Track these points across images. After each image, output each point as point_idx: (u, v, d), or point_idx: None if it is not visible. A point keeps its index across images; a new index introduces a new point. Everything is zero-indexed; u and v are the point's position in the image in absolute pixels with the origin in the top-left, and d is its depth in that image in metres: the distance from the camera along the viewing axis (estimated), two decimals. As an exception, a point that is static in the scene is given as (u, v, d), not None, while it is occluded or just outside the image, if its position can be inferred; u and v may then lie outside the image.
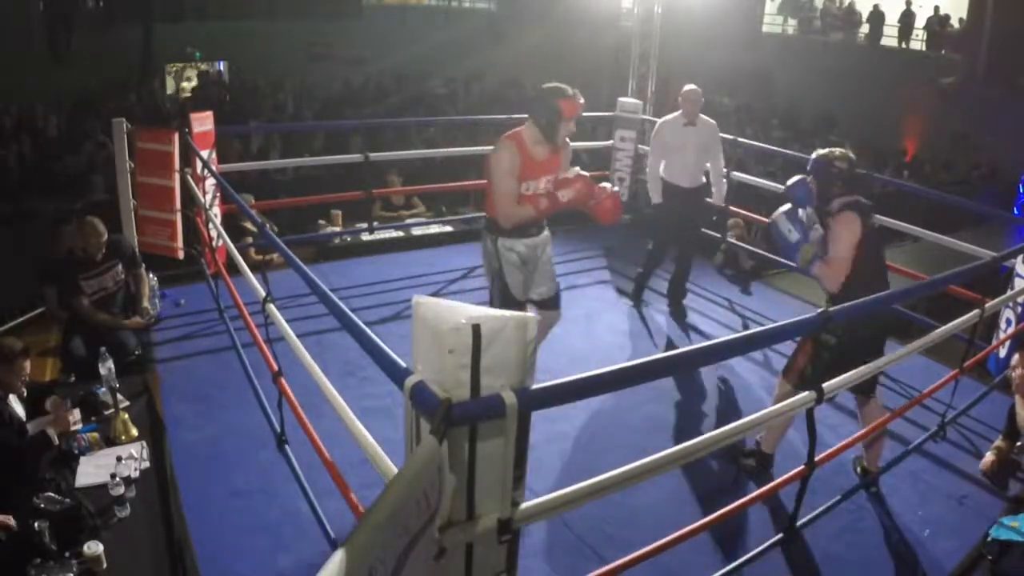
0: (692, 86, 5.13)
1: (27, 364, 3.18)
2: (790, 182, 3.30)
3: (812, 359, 3.23)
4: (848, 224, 3.10)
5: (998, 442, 3.77)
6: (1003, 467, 3.68)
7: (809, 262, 3.21)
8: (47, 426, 3.00)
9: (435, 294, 5.26)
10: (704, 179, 5.26)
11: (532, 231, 3.58)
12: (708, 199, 5.34)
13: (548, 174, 3.52)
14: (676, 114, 5.14)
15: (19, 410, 3.18)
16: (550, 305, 3.77)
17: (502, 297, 3.61)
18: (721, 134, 5.36)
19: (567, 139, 3.55)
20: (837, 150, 3.24)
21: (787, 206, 3.29)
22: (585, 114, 8.36)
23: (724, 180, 5.35)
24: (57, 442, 2.97)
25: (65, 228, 4.53)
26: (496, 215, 3.50)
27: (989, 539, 3.05)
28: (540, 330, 3.67)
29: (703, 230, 5.81)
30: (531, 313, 3.60)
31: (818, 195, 3.20)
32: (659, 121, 5.28)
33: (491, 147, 6.79)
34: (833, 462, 3.29)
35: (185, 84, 14.04)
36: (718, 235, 6.11)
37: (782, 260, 5.81)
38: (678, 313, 5.38)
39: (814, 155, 3.27)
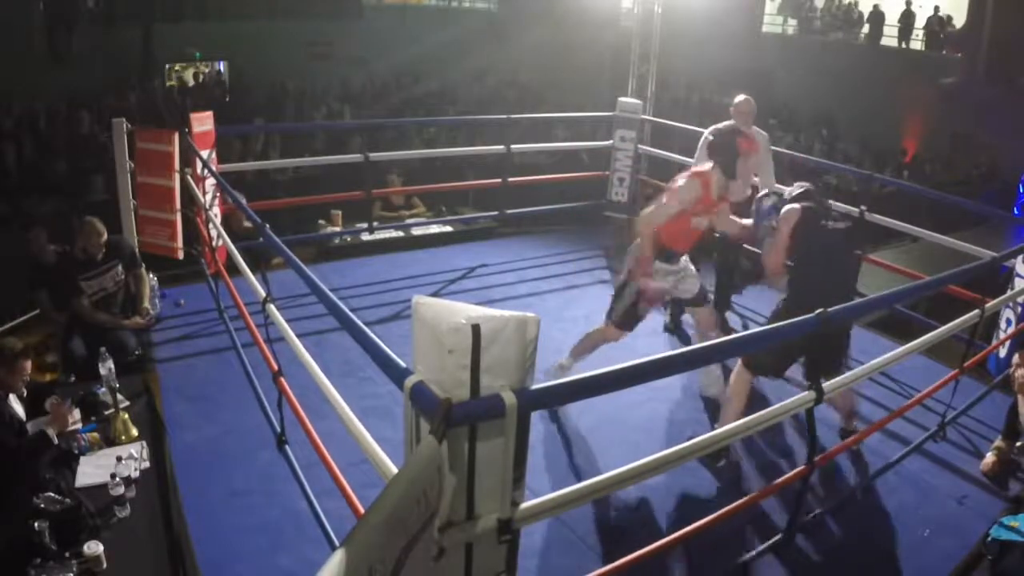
0: (744, 96, 4.88)
1: (27, 364, 3.18)
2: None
3: None
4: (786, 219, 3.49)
5: (998, 442, 3.77)
6: (1003, 467, 3.68)
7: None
8: (47, 426, 3.00)
9: (435, 294, 5.26)
10: (749, 192, 4.88)
11: (673, 258, 3.85)
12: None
13: (713, 213, 3.82)
14: (727, 124, 4.87)
15: (19, 410, 3.18)
16: (702, 300, 4.05)
17: (625, 311, 3.83)
18: None
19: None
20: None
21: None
22: (585, 114, 8.36)
23: None
24: (57, 442, 2.97)
25: (35, 231, 4.49)
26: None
27: (989, 539, 3.04)
28: (706, 326, 4.08)
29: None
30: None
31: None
32: (708, 130, 4.94)
33: (493, 147, 6.80)
34: (833, 462, 3.30)
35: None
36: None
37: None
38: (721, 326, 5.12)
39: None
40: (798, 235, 3.40)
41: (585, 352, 4.03)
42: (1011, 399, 3.83)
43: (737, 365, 3.56)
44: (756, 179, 5.05)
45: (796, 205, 3.47)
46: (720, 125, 4.95)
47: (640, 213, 3.78)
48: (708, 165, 3.78)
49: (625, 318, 3.86)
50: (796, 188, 3.62)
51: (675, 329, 5.25)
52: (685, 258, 3.96)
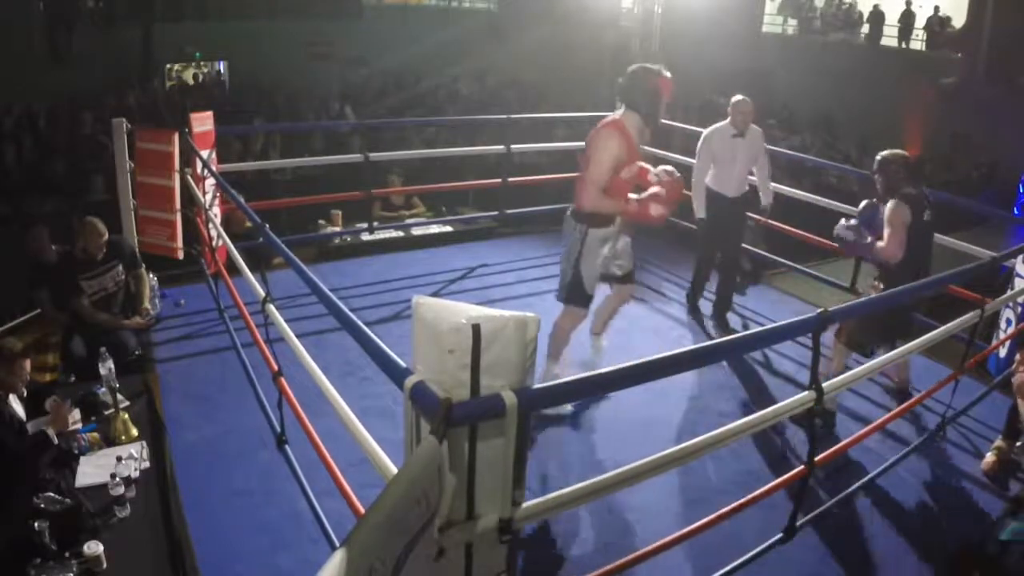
0: (742, 96, 4.95)
1: (27, 364, 3.18)
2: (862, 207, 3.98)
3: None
4: (898, 213, 3.71)
5: (998, 442, 3.77)
6: (1003, 467, 3.68)
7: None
8: (47, 426, 3.00)
9: (435, 294, 5.27)
10: (747, 188, 5.12)
11: (613, 221, 3.76)
12: (749, 212, 5.26)
13: (639, 158, 3.70)
14: (724, 123, 4.96)
15: (19, 410, 3.18)
16: (629, 279, 4.03)
17: (571, 288, 3.77)
18: None
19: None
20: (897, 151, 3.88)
21: (851, 222, 3.93)
22: (585, 114, 8.40)
23: (771, 188, 5.23)
24: (57, 442, 2.97)
25: (34, 231, 4.49)
26: (583, 199, 3.62)
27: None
28: (619, 301, 4.06)
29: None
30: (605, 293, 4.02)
31: (886, 189, 3.81)
32: (706, 131, 5.05)
33: (493, 147, 6.81)
34: (833, 462, 3.30)
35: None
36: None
37: (782, 260, 5.82)
38: (722, 325, 5.27)
39: (879, 156, 3.88)
40: (911, 226, 3.69)
41: (561, 347, 3.94)
42: (1011, 399, 3.83)
43: (836, 343, 3.91)
44: (753, 177, 5.11)
45: (901, 201, 3.69)
46: (715, 126, 5.02)
47: (586, 182, 3.59)
48: (619, 112, 3.66)
49: (573, 293, 3.77)
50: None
51: (694, 309, 5.43)
52: (627, 239, 3.92)
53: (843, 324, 3.86)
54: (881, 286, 3.82)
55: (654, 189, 3.71)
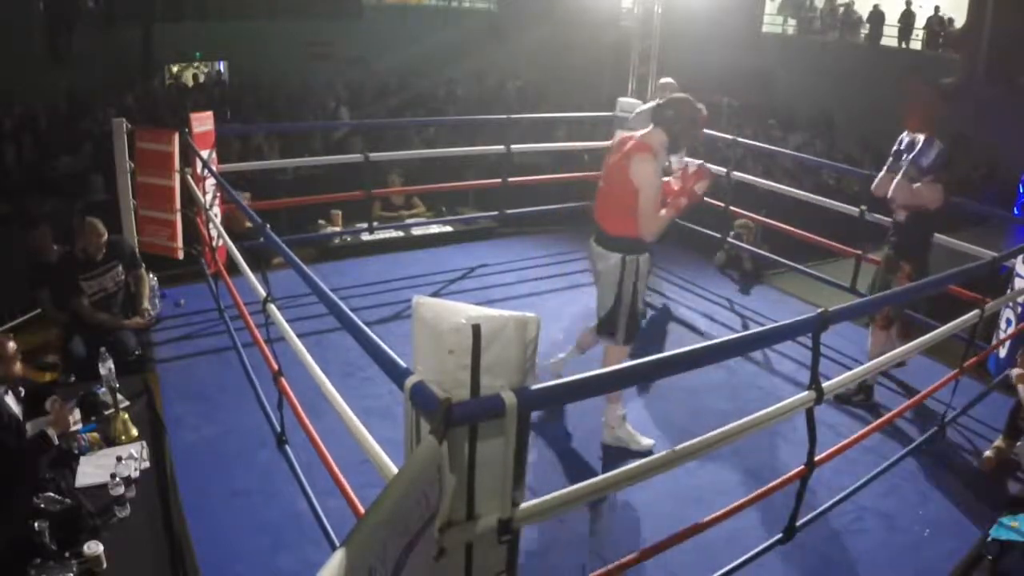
0: (669, 79, 5.26)
1: (12, 347, 3.14)
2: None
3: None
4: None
5: (998, 442, 3.77)
6: (1003, 467, 3.68)
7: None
8: (47, 426, 3.00)
9: (435, 294, 5.26)
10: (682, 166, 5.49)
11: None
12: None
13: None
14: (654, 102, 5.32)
15: (15, 409, 3.17)
16: None
17: (629, 324, 3.66)
18: (721, 134, 5.41)
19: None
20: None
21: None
22: (585, 114, 8.39)
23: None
24: (57, 442, 2.97)
25: (38, 230, 4.49)
26: (640, 232, 3.48)
27: (989, 539, 3.05)
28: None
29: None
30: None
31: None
32: (633, 113, 5.53)
33: (493, 147, 6.83)
34: (833, 462, 3.30)
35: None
36: (718, 235, 6.11)
37: (782, 260, 5.81)
38: None
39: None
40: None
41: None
42: (1011, 399, 3.83)
43: (881, 322, 4.21)
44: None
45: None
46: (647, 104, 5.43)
47: (642, 216, 3.47)
48: (644, 131, 3.54)
49: (631, 330, 3.70)
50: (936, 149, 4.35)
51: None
52: None
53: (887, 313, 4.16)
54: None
55: (692, 167, 3.70)
